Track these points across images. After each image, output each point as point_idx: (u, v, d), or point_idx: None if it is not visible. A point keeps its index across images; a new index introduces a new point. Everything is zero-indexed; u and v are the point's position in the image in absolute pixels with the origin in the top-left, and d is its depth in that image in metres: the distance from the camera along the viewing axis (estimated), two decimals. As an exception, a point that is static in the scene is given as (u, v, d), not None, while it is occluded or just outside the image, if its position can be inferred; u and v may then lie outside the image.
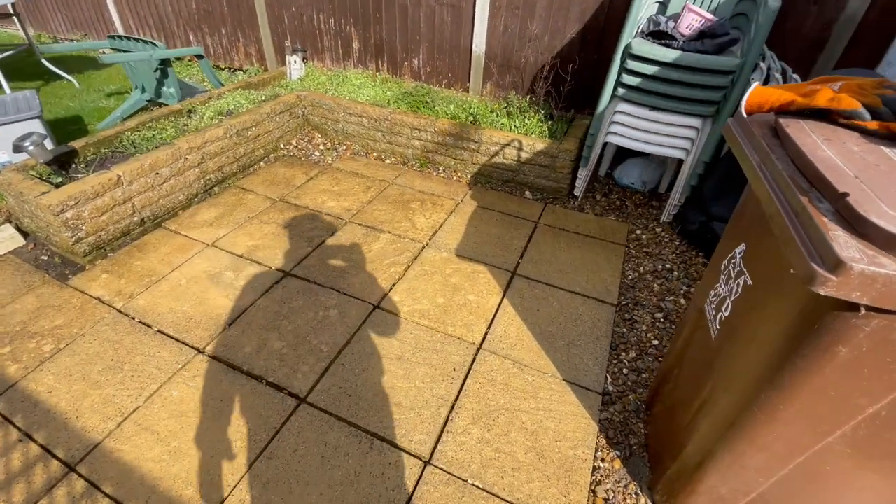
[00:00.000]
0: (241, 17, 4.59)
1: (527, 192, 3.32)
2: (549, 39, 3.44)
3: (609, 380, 2.02)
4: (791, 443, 1.02)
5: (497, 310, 2.34)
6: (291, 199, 3.12)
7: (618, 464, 1.71)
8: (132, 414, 1.79)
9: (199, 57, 3.61)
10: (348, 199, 3.16)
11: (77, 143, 2.83)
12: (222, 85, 3.92)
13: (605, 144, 3.14)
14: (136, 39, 3.39)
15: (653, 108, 2.69)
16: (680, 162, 3.02)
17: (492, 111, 3.52)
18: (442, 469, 1.65)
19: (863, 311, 0.78)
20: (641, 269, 2.66)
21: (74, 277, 2.42)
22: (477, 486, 1.61)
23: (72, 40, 5.91)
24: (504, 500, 1.57)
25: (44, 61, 4.37)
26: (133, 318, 2.19)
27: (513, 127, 3.30)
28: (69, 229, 2.37)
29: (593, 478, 1.66)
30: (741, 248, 1.20)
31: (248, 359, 2.02)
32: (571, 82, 3.33)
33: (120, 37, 3.47)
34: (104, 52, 5.43)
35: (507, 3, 3.44)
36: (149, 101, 3.76)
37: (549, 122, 3.32)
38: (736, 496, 1.21)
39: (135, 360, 1.99)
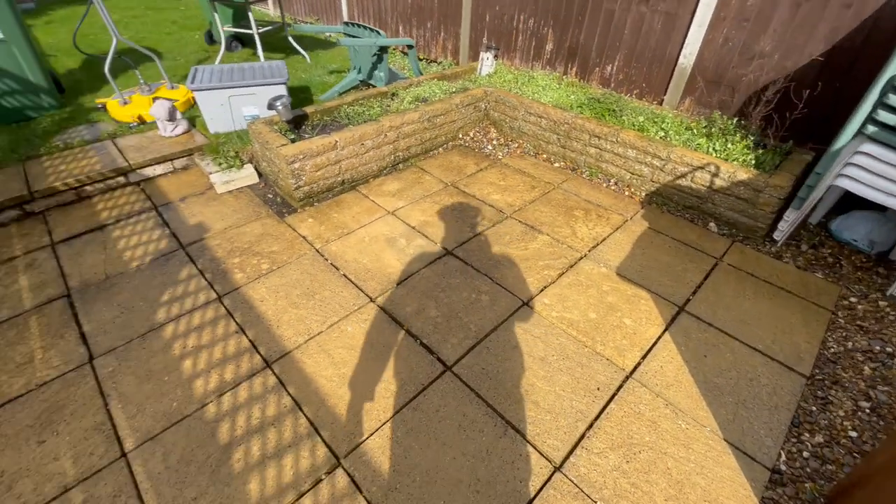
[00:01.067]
0: (447, 14, 5.00)
1: (711, 224, 2.97)
2: (780, 58, 2.99)
3: (783, 458, 1.72)
4: None
5: (656, 342, 2.17)
6: (461, 186, 3.33)
7: (780, 556, 1.46)
8: (316, 336, 2.14)
9: (410, 47, 4.06)
10: (512, 194, 3.24)
11: (308, 109, 3.44)
12: (421, 74, 4.34)
13: (830, 188, 2.63)
14: (364, 27, 3.96)
15: (917, 153, 2.16)
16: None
17: (687, 129, 3.22)
18: (572, 481, 1.62)
19: None
20: (850, 344, 2.18)
21: (288, 216, 2.98)
22: (606, 513, 1.54)
23: (306, 22, 7.14)
24: (634, 538, 1.48)
25: (290, 38, 5.39)
26: (326, 259, 2.61)
27: (711, 149, 2.97)
28: (294, 177, 2.92)
29: (745, 558, 1.45)
30: None
31: (408, 318, 2.24)
32: (804, 110, 2.84)
33: (351, 23, 4.09)
34: (333, 36, 6.43)
35: (734, 13, 3.09)
36: (361, 81, 4.36)
37: (759, 151, 2.90)
38: None
39: (324, 293, 2.38)
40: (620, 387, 1.95)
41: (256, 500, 1.55)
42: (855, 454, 1.74)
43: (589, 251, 2.71)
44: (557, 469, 1.65)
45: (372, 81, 4.28)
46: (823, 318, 2.30)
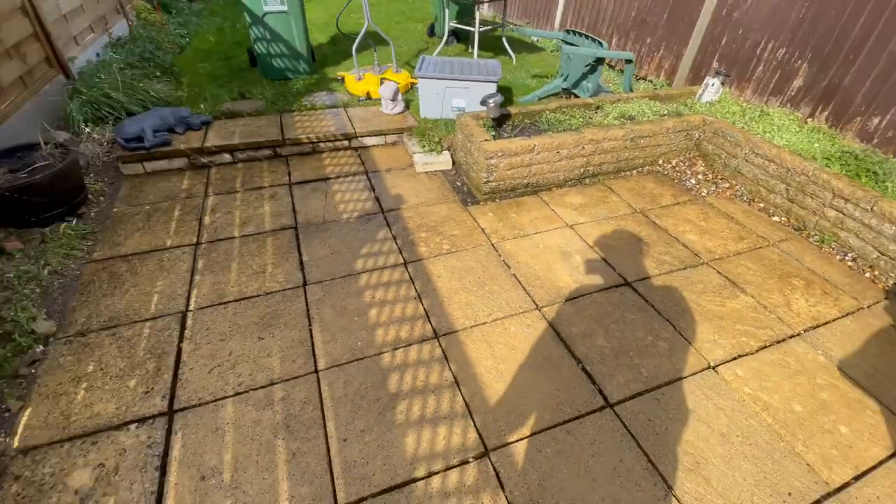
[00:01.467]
0: (674, 32, 4.64)
1: None
2: None
3: None
4: None
5: (877, 466, 1.71)
6: (652, 216, 3.09)
7: None
8: (480, 325, 2.22)
9: (629, 62, 3.88)
10: (713, 239, 2.87)
11: (512, 110, 3.55)
12: (631, 90, 4.12)
13: None
14: (586, 35, 3.90)
15: None
16: None
17: None
18: (741, 589, 1.38)
19: None
20: None
21: (472, 206, 3.14)
22: None
23: (520, 25, 7.35)
24: None
25: (503, 39, 5.62)
26: (499, 255, 2.69)
27: None
28: (486, 171, 3.06)
29: None
30: None
31: (573, 338, 2.17)
32: None
33: (573, 31, 4.07)
34: (540, 41, 6.49)
35: None
36: (564, 89, 4.35)
37: None
38: None
39: (493, 286, 2.45)
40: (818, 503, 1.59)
41: (411, 454, 1.68)
42: None
43: (805, 331, 2.26)
44: (724, 566, 1.43)
45: (576, 91, 4.23)
46: None
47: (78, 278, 2.40)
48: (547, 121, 3.52)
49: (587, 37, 3.94)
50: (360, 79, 4.42)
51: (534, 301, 2.38)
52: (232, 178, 3.34)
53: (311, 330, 2.16)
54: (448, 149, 3.70)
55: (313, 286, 2.41)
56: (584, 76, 4.08)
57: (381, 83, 4.27)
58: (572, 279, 2.53)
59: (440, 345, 2.12)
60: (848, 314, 2.37)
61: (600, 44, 3.75)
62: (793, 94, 3.69)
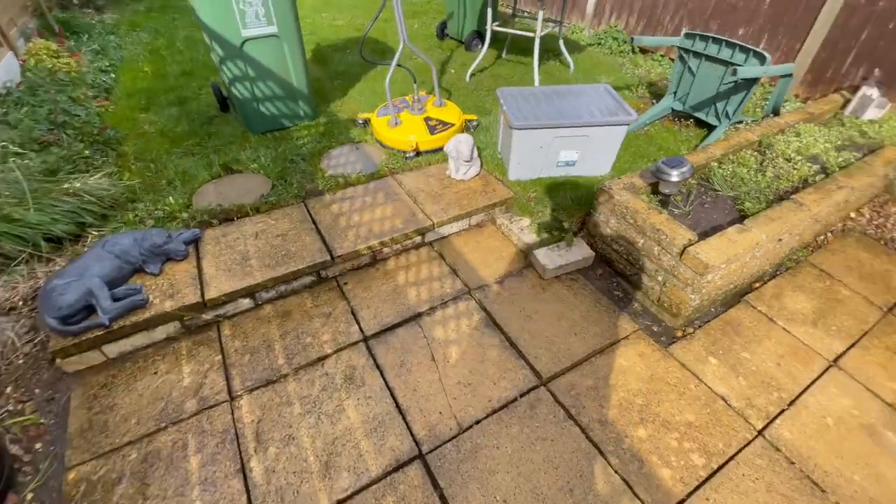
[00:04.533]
0: (782, 19, 3.63)
1: None
2: None
3: None
4: None
5: None
6: (913, 317, 2.12)
7: None
8: None
9: (787, 75, 2.81)
10: None
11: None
12: (777, 113, 3.09)
13: None
14: (720, 40, 2.78)
15: None
16: None
17: None
18: None
19: None
20: None
21: (673, 345, 2.01)
22: None
23: (527, 12, 6.02)
24: None
25: (559, 42, 4.31)
26: (789, 461, 1.60)
27: None
28: (693, 290, 1.93)
29: None
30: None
31: None
32: None
33: (696, 34, 2.94)
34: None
35: None
36: (675, 110, 3.25)
37: None
38: None
39: (844, 559, 1.38)
40: None
41: None
42: None
43: None
44: None
45: (700, 115, 3.14)
46: None
47: None
48: (724, 179, 2.42)
49: (724, 42, 2.83)
50: (396, 124, 3.07)
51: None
52: (263, 342, 1.99)
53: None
54: (578, 232, 2.51)
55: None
56: (717, 98, 2.99)
57: (429, 128, 2.97)
58: (931, 497, 1.51)
59: None
60: None
61: (758, 55, 2.65)
62: None
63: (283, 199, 2.58)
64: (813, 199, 2.17)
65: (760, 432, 1.69)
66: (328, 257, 2.20)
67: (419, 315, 2.12)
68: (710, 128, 3.21)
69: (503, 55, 4.63)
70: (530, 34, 3.79)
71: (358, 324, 2.07)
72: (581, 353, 1.96)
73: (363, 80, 4.10)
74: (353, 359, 1.92)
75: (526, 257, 2.44)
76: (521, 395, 1.80)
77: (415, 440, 1.65)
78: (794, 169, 2.45)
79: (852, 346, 2.00)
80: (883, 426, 1.71)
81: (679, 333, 2.05)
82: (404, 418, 1.71)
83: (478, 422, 1.71)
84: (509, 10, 5.66)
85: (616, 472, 1.57)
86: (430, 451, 1.62)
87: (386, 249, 2.40)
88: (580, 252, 2.35)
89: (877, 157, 2.58)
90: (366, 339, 2.01)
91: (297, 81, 3.20)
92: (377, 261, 2.40)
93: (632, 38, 3.30)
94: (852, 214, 2.71)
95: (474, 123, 3.32)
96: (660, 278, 2.06)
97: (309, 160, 2.94)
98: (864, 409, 1.76)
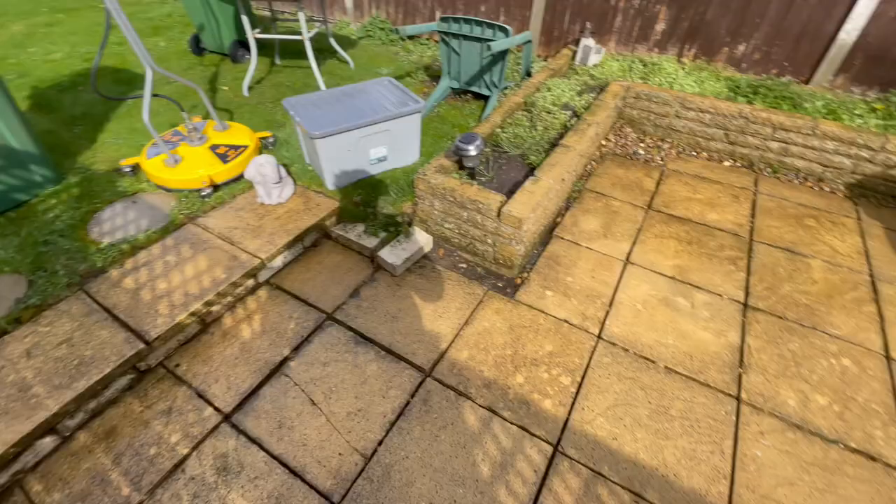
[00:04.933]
0: (510, -6, 4.25)
1: (933, 212, 2.83)
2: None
3: None
4: None
5: None
6: (661, 208, 2.83)
7: None
8: (728, 476, 1.59)
9: (528, 42, 3.31)
10: (725, 211, 2.81)
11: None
12: (530, 74, 3.63)
13: None
14: (474, 21, 3.12)
15: None
16: None
17: (871, 111, 3.01)
18: None
19: None
20: None
21: (518, 293, 2.26)
22: None
23: (285, 12, 5.75)
24: None
25: (330, 40, 4.18)
26: (625, 349, 2.00)
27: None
28: (517, 242, 2.20)
29: None
30: None
31: (803, 414, 1.76)
32: None
33: (451, 18, 3.23)
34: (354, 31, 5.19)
35: (917, -20, 2.86)
36: (454, 89, 3.55)
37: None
38: None
39: (675, 405, 1.80)
40: None
41: None
42: None
43: (871, 271, 2.41)
44: None
45: (475, 89, 3.50)
46: None
47: None
48: (509, 141, 2.76)
49: (474, 22, 3.18)
50: (175, 162, 2.64)
51: (727, 393, 1.84)
52: (93, 478, 1.55)
53: None
54: (411, 222, 2.58)
55: None
56: (484, 70, 3.36)
57: (220, 157, 2.66)
58: (711, 333, 2.06)
59: None
60: (864, 235, 2.64)
61: (505, 31, 3.06)
62: (658, 38, 3.84)
63: (51, 295, 2.00)
64: (575, 140, 2.67)
65: (599, 336, 2.06)
66: (142, 345, 1.81)
67: (282, 363, 1.93)
68: (486, 98, 3.63)
69: (276, 62, 4.35)
70: (298, 37, 3.63)
71: (211, 404, 1.78)
72: (450, 331, 2.07)
73: (114, 119, 3.39)
74: (219, 446, 1.65)
75: (373, 261, 2.42)
76: (412, 396, 1.82)
77: (323, 495, 1.53)
78: (555, 119, 2.97)
79: (634, 243, 2.57)
80: (673, 295, 2.26)
81: (518, 281, 2.33)
82: (304, 479, 1.56)
83: (380, 442, 1.67)
84: (268, 13, 5.31)
85: (512, 423, 1.73)
86: (343, 497, 1.52)
87: (215, 308, 2.08)
88: (420, 240, 2.44)
89: (606, 93, 3.29)
90: (227, 418, 1.74)
91: (17, 142, 2.46)
92: (209, 325, 2.08)
93: (396, 30, 3.45)
94: (603, 142, 3.43)
95: (271, 140, 3.07)
96: (489, 241, 2.28)
97: (71, 235, 2.32)
98: (657, 288, 2.30)
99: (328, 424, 1.72)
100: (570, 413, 1.77)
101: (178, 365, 1.91)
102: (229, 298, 2.13)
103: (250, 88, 3.85)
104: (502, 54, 3.22)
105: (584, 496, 1.53)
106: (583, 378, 1.89)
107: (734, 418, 1.75)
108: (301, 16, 3.53)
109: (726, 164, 3.28)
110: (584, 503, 1.52)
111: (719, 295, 2.26)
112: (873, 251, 2.52)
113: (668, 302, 2.23)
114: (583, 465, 1.62)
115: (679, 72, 3.60)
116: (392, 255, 2.33)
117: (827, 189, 3.03)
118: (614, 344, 2.03)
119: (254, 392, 1.82)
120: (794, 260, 2.47)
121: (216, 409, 1.77)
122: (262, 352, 1.97)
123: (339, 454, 1.64)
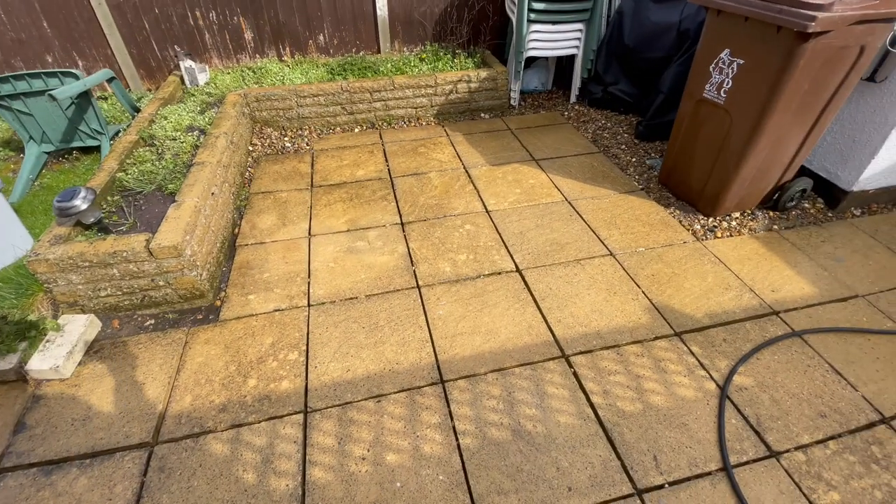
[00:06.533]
0: (73, 35, 3.71)
1: (482, 115, 4.17)
2: (438, -7, 4.19)
3: (636, 178, 3.22)
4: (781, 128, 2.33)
5: (555, 186, 3.24)
6: (321, 183, 3.22)
7: (679, 212, 2.95)
8: (431, 338, 2.10)
9: (112, 79, 3.01)
10: (368, 165, 3.43)
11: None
12: (136, 108, 3.33)
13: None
14: (30, 75, 2.63)
15: (553, 22, 3.84)
16: (560, 59, 4.35)
17: (421, 60, 4.13)
18: (626, 253, 2.59)
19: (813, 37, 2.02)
20: (591, 130, 3.92)
21: (221, 315, 2.23)
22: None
23: None
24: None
25: None
26: (334, 302, 2.28)
27: (451, 67, 4.03)
28: (187, 269, 2.15)
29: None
30: (726, 51, 2.42)
31: (455, 271, 2.45)
32: (485, 24, 4.20)
33: (2, 79, 2.61)
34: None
35: (398, -33, 3.98)
36: (49, 153, 2.96)
37: (472, 58, 4.17)
38: (759, 168, 2.54)
39: (382, 316, 2.20)
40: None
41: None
42: (657, 155, 3.43)
43: (462, 165, 3.42)
44: (616, 255, 2.58)
45: (77, 143, 3.01)
46: (571, 128, 3.95)
47: None
48: (137, 180, 2.56)
49: (28, 76, 2.69)
50: None
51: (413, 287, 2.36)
52: None
53: None
54: (55, 314, 2.12)
55: None
56: (74, 122, 2.92)
57: None
58: (389, 256, 2.57)
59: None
60: (452, 144, 3.70)
61: (67, 74, 2.70)
62: (253, 45, 4.14)
63: None
64: (208, 155, 2.71)
65: (308, 305, 2.29)
66: None
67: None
68: (98, 149, 3.22)
69: None
70: None
71: None
72: (162, 390, 1.90)
73: None
74: None
75: (27, 380, 1.93)
76: (144, 475, 1.64)
77: None
78: (183, 143, 2.91)
79: (311, 219, 2.87)
80: (353, 242, 2.67)
81: (218, 303, 2.31)
82: None
83: (123, 539, 1.47)
84: None
85: (259, 422, 1.79)
86: None
87: None
88: (78, 325, 2.07)
89: (225, 104, 3.40)
90: None
91: None
92: None
93: None
94: (251, 148, 3.59)
95: None
96: (161, 282, 2.16)
97: None
98: (340, 244, 2.67)
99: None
100: (306, 378, 1.95)
101: None
102: None
103: None
104: (87, 99, 2.88)
105: (341, 427, 1.77)
106: (307, 345, 2.09)
107: (420, 301, 2.30)
108: None
109: (356, 130, 3.96)
110: (344, 433, 1.76)
111: (383, 226, 2.81)
112: (461, 153, 3.59)
113: (352, 249, 2.64)
114: (331, 406, 1.84)
115: (285, 69, 4.02)
116: (46, 359, 1.92)
117: (424, 123, 4.06)
118: (323, 303, 2.30)
119: None
120: (420, 179, 3.28)
121: None
122: None
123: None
